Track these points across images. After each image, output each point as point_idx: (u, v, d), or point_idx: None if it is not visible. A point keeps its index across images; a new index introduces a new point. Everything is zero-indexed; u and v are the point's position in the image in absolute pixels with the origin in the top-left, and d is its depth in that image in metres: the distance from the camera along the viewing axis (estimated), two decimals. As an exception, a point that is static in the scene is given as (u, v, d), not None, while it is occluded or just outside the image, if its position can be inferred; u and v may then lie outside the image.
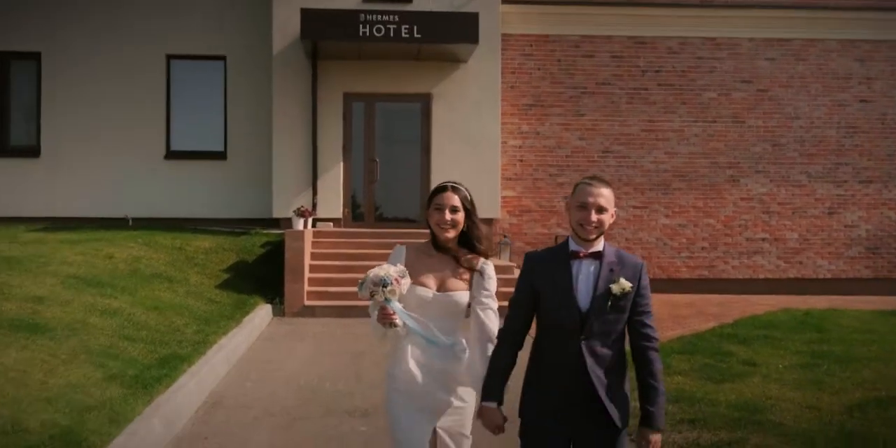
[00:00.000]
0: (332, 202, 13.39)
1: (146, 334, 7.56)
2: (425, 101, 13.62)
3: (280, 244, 11.72)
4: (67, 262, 9.55)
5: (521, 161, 14.09)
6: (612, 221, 3.36)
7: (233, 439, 5.60)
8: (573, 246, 3.37)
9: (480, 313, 3.54)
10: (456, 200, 3.60)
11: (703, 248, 14.36)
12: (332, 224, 13.21)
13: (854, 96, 14.55)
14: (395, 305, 3.44)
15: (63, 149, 13.97)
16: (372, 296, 3.42)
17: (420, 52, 12.95)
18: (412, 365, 3.50)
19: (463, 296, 3.56)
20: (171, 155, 14.18)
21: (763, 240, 14.45)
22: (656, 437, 3.28)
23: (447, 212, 3.57)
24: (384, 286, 3.39)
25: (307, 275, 11.12)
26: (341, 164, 13.50)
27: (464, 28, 12.34)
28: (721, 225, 14.39)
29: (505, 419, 3.38)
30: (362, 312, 9.06)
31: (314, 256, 11.62)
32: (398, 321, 3.45)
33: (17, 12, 13.89)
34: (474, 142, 13.46)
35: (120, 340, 7.12)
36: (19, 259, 9.28)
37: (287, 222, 12.47)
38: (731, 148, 14.39)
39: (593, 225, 3.29)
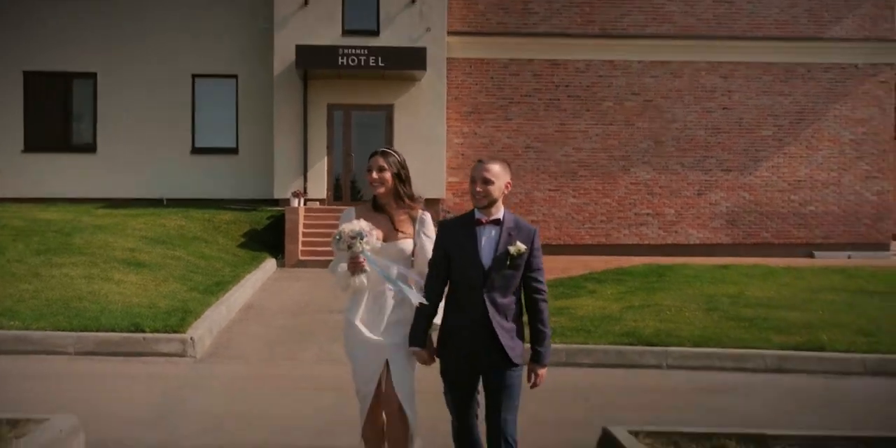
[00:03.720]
0: (319, 186, 17.79)
1: (202, 270, 12.06)
2: (389, 110, 18.02)
3: (280, 217, 16.11)
4: (137, 229, 13.98)
5: (463, 155, 18.49)
6: (505, 192, 4.01)
7: (262, 321, 10.08)
8: (477, 214, 4.00)
9: (424, 246, 4.18)
10: (381, 161, 4.17)
11: (601, 221, 18.82)
12: (318, 203, 17.61)
13: (718, 105, 18.98)
14: (368, 254, 3.97)
15: (114, 146, 18.29)
16: (349, 248, 3.93)
17: (384, 74, 17.35)
18: (366, 314, 4.12)
19: (406, 243, 4.17)
20: (196, 150, 18.56)
21: (647, 214, 18.92)
22: (542, 371, 4.01)
23: (374, 172, 4.16)
24: (361, 238, 3.90)
25: (301, 239, 15.54)
26: (325, 157, 17.89)
27: (415, 58, 16.77)
28: (615, 203, 18.85)
29: (433, 356, 4.11)
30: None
31: (306, 226, 16.02)
32: (367, 267, 3.99)
33: (78, 41, 18.12)
34: (426, 140, 17.78)
35: (188, 273, 11.62)
36: (106, 226, 13.70)
37: (285, 201, 16.85)
38: (624, 144, 18.82)
39: (480, 194, 3.94)
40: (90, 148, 18.36)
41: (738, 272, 15.00)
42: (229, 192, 18.36)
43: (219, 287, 10.95)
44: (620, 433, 5.21)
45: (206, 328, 8.75)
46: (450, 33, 18.10)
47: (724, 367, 8.52)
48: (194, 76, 18.54)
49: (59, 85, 18.30)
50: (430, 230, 4.23)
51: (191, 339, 8.17)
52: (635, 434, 5.21)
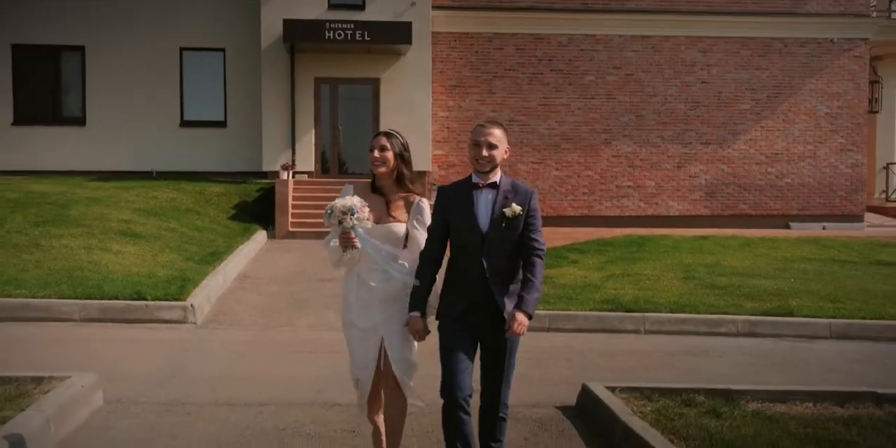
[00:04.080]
0: (307, 159, 18.08)
1: (196, 241, 12.41)
2: (375, 83, 18.29)
3: (270, 190, 16.42)
4: (130, 201, 14.27)
5: (448, 128, 18.81)
6: (505, 157, 4.01)
7: (257, 289, 10.47)
8: (474, 179, 4.03)
9: (416, 237, 4.17)
10: (384, 141, 4.21)
11: (584, 193, 19.25)
12: (307, 175, 17.92)
13: (697, 79, 19.36)
14: (359, 230, 4.01)
15: (103, 119, 18.48)
16: (340, 223, 3.97)
17: (370, 48, 17.60)
18: (360, 291, 4.18)
19: (398, 227, 4.18)
20: (185, 124, 18.78)
21: (628, 187, 19.35)
22: (521, 317, 3.88)
23: (376, 151, 4.18)
24: (352, 214, 3.95)
25: (290, 211, 15.87)
26: (313, 130, 18.17)
27: (400, 33, 17.02)
28: (597, 176, 19.26)
29: (427, 328, 4.05)
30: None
31: (295, 198, 16.34)
32: (357, 244, 4.03)
33: (66, 14, 18.21)
34: (412, 114, 18.04)
35: (183, 243, 11.98)
36: (99, 198, 13.98)
37: (274, 174, 17.16)
38: (605, 118, 19.20)
39: (485, 159, 3.94)
40: (79, 121, 18.53)
41: (715, 243, 15.49)
42: (218, 164, 18.61)
43: (214, 257, 11.31)
44: (598, 388, 5.67)
45: (204, 296, 9.13)
46: (434, 7, 18.32)
47: (699, 332, 9.00)
48: (182, 49, 18.69)
49: (48, 58, 18.42)
50: (426, 218, 4.21)
51: (191, 306, 8.56)
52: (612, 389, 5.66)
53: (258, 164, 18.15)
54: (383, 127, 17.78)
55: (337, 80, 18.25)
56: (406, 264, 4.19)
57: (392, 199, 4.23)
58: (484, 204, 3.96)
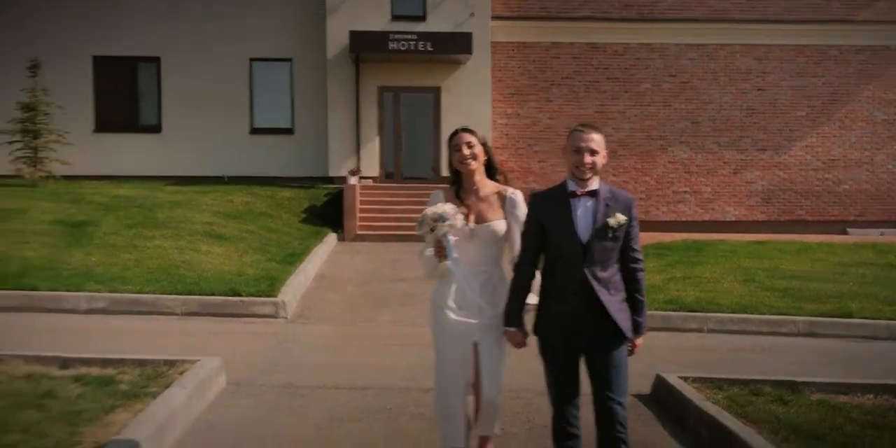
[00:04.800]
0: (371, 165, 18.77)
1: (274, 243, 13.14)
2: (436, 92, 18.92)
3: (337, 194, 17.11)
4: (208, 204, 15.05)
5: (507, 135, 19.34)
6: (604, 162, 3.82)
7: (335, 288, 11.10)
8: (571, 186, 3.81)
9: (515, 232, 4.07)
10: (469, 137, 4.16)
11: (640, 199, 19.60)
12: (371, 180, 18.59)
13: (753, 86, 19.64)
14: (449, 240, 3.97)
15: (177, 127, 19.40)
16: (432, 230, 3.95)
17: (431, 58, 18.23)
18: (455, 296, 4.08)
19: (499, 224, 4.10)
20: (254, 131, 19.61)
21: (685, 192, 19.69)
22: (640, 341, 3.96)
23: (464, 147, 4.12)
24: (443, 220, 3.92)
25: (358, 214, 16.53)
26: (377, 137, 18.86)
27: (461, 43, 17.66)
28: (654, 181, 19.64)
29: (526, 335, 3.98)
30: (396, 239, 14.65)
31: (362, 202, 17.00)
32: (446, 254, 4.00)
33: (143, 27, 19.18)
34: (471, 121, 18.53)
35: (263, 245, 12.70)
36: (181, 202, 14.79)
37: (340, 179, 17.87)
38: (661, 125, 19.57)
39: (587, 166, 3.74)
40: (155, 128, 19.46)
41: (773, 248, 15.71)
42: (286, 170, 19.37)
43: (293, 258, 11.99)
44: (672, 378, 6.16)
45: (291, 294, 9.79)
46: (493, 18, 18.89)
47: (760, 332, 9.41)
48: (251, 60, 19.52)
49: (126, 69, 19.38)
50: (522, 211, 4.09)
51: (282, 302, 9.23)
52: (684, 379, 6.15)
53: (324, 169, 18.88)
54: (444, 134, 18.34)
55: (399, 89, 18.91)
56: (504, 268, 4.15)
57: (483, 196, 4.16)
58: (583, 213, 3.78)
